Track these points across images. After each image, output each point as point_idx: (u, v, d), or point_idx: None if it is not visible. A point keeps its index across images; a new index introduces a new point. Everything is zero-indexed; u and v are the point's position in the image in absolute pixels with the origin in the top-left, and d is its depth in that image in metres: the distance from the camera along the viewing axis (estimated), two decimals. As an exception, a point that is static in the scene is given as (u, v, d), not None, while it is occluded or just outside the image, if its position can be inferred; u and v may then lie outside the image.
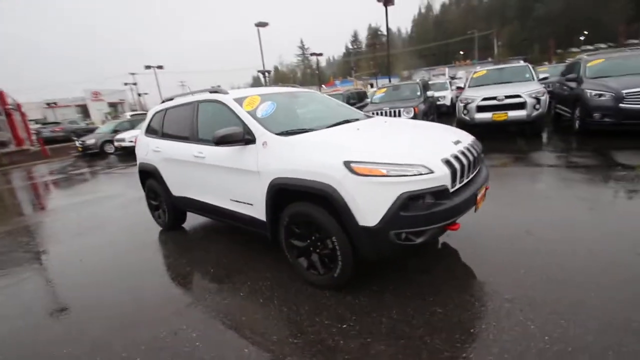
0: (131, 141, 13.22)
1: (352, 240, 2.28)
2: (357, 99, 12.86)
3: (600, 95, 6.44)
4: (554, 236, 2.93)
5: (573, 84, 7.63)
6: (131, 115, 19.79)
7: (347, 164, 2.19)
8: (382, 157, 2.18)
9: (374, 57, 54.70)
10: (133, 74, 39.93)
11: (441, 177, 2.16)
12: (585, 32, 52.20)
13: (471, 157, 2.51)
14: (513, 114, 7.29)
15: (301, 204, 2.49)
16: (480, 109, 7.60)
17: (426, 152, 2.30)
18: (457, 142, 2.56)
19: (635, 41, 39.59)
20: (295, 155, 2.48)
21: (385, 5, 17.06)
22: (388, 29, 21.98)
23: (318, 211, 2.37)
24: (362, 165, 2.15)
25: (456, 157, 2.34)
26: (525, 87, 7.52)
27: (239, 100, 3.12)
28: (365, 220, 2.16)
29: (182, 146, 3.58)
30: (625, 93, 6.05)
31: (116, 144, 13.93)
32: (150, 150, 4.10)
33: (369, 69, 56.01)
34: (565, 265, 2.49)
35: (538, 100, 7.25)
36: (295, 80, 59.33)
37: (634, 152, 5.30)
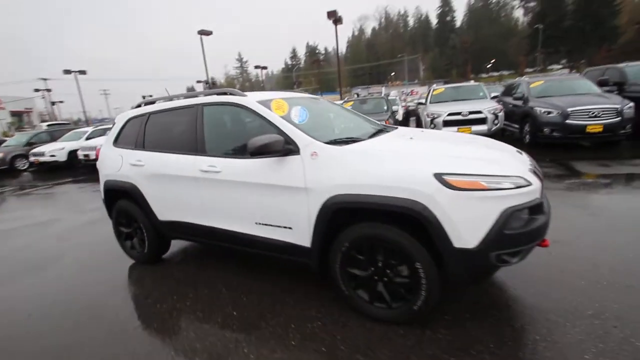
0: (53, 155, 11.10)
1: (440, 265, 1.96)
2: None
3: (549, 113, 7.24)
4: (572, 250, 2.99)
5: (519, 102, 8.51)
6: (48, 126, 16.79)
7: (438, 177, 1.88)
8: (478, 169, 1.92)
9: (317, 73, 56.06)
10: (45, 79, 34.40)
11: (536, 189, 1.98)
12: (493, 61, 60.75)
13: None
14: (476, 128, 7.83)
15: (369, 225, 2.10)
16: (447, 123, 8.02)
17: (513, 162, 2.11)
18: (519, 152, 2.45)
19: (531, 70, 47.33)
20: (363, 167, 2.08)
21: (335, 24, 17.56)
22: (338, 47, 22.62)
23: (396, 233, 2.01)
24: (458, 178, 1.87)
25: (535, 167, 2.20)
26: (484, 104, 8.18)
27: (265, 104, 2.62)
28: (463, 242, 1.86)
29: (180, 159, 2.90)
30: (571, 111, 6.89)
31: (32, 158, 11.54)
32: (126, 164, 3.28)
33: (309, 84, 57.18)
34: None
35: (496, 116, 7.93)
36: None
37: (588, 161, 6.00)
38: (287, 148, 2.31)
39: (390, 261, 2.10)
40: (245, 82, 75.77)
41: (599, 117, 6.73)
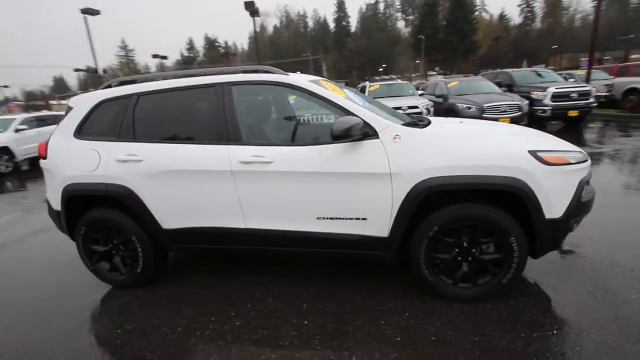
0: None
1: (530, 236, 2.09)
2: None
3: (469, 108, 8.46)
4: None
5: (440, 100, 9.72)
6: None
7: (533, 154, 1.99)
8: (559, 145, 2.11)
9: (223, 66, 52.88)
10: None
11: (590, 164, 2.27)
12: (384, 65, 67.63)
13: None
14: (414, 121, 8.62)
15: (463, 206, 2.08)
16: (388, 117, 8.59)
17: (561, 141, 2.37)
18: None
19: (415, 75, 54.54)
20: (457, 148, 2.05)
21: (252, 16, 16.84)
22: (257, 39, 21.67)
23: (492, 211, 2.05)
24: (549, 155, 2.01)
25: None
26: (419, 100, 9.04)
27: (318, 84, 2.34)
28: (552, 213, 2.01)
29: (204, 150, 2.35)
30: (486, 107, 8.20)
31: None
32: (109, 161, 2.49)
33: None
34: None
35: (429, 110, 8.85)
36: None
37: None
38: (364, 131, 2.11)
39: (481, 239, 2.14)
40: (132, 73, 66.21)
41: (507, 111, 8.18)
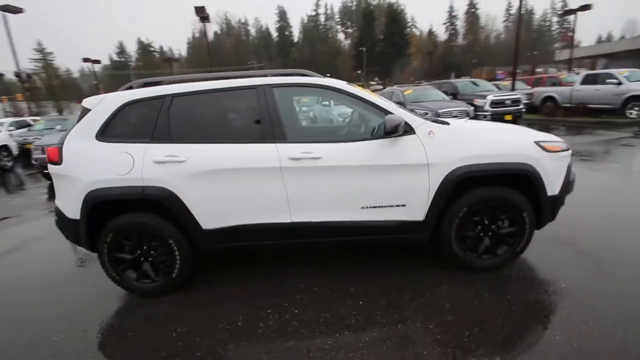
0: None
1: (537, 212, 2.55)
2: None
3: (427, 113, 9.35)
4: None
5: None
6: None
7: (537, 144, 2.47)
8: (552, 137, 2.62)
9: (160, 73, 49.67)
10: None
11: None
12: (328, 75, 69.87)
13: None
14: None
15: (488, 189, 2.48)
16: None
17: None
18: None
19: (360, 83, 57.41)
20: (481, 141, 2.45)
21: (202, 21, 16.38)
22: (209, 46, 20.94)
23: (509, 192, 2.47)
24: (549, 144, 2.51)
25: None
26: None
27: (352, 87, 2.58)
28: (552, 190, 2.51)
29: (253, 149, 2.44)
30: (441, 112, 9.14)
31: None
32: (146, 163, 2.43)
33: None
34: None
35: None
36: (41, 93, 43.09)
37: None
38: (405, 128, 2.40)
39: (500, 216, 2.55)
40: (52, 80, 58.61)
41: (457, 117, 9.22)
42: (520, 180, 2.48)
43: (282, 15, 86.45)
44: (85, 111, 2.60)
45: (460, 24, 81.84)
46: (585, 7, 19.46)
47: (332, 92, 2.55)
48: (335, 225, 2.52)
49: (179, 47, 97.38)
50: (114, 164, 2.44)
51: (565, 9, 20.80)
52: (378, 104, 2.48)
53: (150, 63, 65.07)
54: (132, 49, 78.93)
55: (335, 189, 2.46)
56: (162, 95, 2.53)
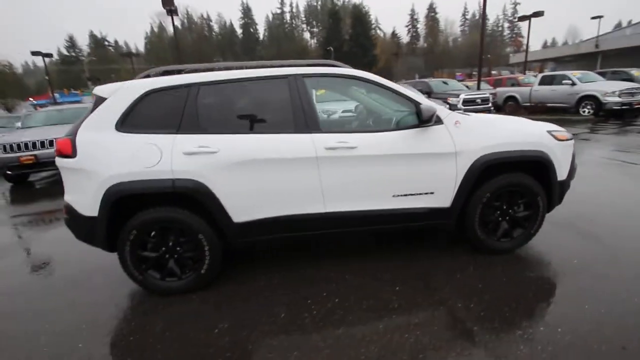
0: None
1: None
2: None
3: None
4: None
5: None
6: None
7: (550, 133, 2.68)
8: (559, 127, 2.84)
9: (119, 69, 46.26)
10: None
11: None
12: (295, 73, 69.66)
13: None
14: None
15: (509, 175, 2.64)
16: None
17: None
18: None
19: (327, 84, 57.80)
20: (504, 130, 2.62)
21: (170, 14, 15.60)
22: (177, 38, 19.92)
23: (526, 178, 2.66)
24: (559, 133, 2.73)
25: None
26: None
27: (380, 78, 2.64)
28: (561, 176, 2.74)
29: (286, 139, 2.41)
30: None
31: None
32: (176, 154, 2.31)
33: (105, 81, 46.64)
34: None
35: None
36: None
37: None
38: (436, 118, 2.50)
39: (517, 200, 2.73)
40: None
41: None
42: (535, 166, 2.67)
43: (247, 12, 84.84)
44: (100, 100, 2.42)
45: (421, 27, 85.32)
46: (538, 14, 21.13)
47: (363, 82, 2.59)
48: (367, 214, 2.56)
49: (136, 42, 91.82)
50: (138, 156, 2.30)
51: (519, 15, 22.28)
52: (408, 94, 2.56)
53: (105, 58, 60.84)
54: (83, 42, 73.28)
55: (368, 178, 2.51)
56: (188, 84, 2.42)
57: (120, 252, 2.40)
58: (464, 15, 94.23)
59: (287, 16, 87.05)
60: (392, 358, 1.80)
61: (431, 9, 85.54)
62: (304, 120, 2.44)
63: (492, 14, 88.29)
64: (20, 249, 3.72)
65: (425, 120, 2.39)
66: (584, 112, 11.25)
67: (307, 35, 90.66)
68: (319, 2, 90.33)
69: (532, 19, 21.90)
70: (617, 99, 10.54)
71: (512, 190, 2.68)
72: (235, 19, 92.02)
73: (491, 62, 47.72)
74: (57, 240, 3.81)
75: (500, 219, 2.76)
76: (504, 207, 2.74)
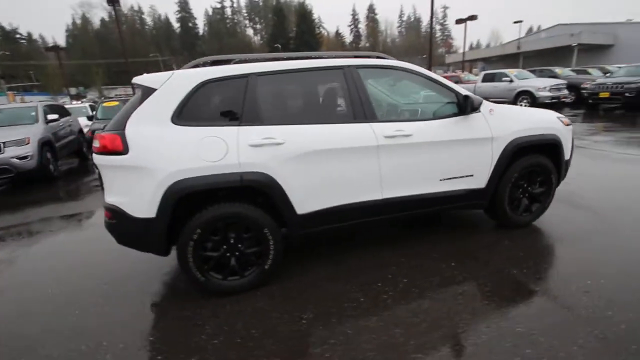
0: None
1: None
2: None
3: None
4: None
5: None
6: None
7: (559, 119, 3.09)
8: (560, 114, 3.28)
9: (32, 65, 40.11)
10: None
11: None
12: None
13: None
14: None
15: (531, 157, 2.98)
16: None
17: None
18: None
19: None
20: (527, 118, 2.97)
21: (112, 4, 14.14)
22: (121, 33, 17.97)
23: (543, 159, 3.03)
24: (563, 119, 3.15)
25: None
26: None
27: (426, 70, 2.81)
28: (567, 155, 3.18)
29: (348, 128, 2.46)
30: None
31: None
32: (242, 147, 2.23)
33: (22, 80, 40.41)
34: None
35: None
36: None
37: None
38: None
39: (536, 178, 3.10)
40: None
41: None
42: (549, 148, 3.06)
43: (184, 6, 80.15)
44: (149, 91, 2.23)
45: (363, 27, 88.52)
46: (473, 17, 23.39)
47: (411, 74, 2.73)
48: (418, 198, 2.72)
49: (54, 35, 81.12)
50: (202, 150, 2.17)
51: (457, 18, 24.41)
52: (450, 85, 2.76)
53: (18, 53, 52.94)
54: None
55: (421, 163, 2.67)
56: (245, 74, 2.34)
57: (182, 254, 2.25)
58: (400, 17, 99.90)
59: (228, 11, 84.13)
60: (484, 321, 1.98)
61: (371, 10, 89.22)
62: (362, 110, 2.51)
63: (425, 17, 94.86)
64: None
65: (475, 108, 2.61)
66: (521, 105, 12.79)
67: (250, 31, 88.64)
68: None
69: (461, 23, 24.21)
70: (548, 94, 12.17)
71: (532, 170, 3.04)
72: (171, 13, 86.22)
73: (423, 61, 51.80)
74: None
75: (521, 196, 3.12)
76: (525, 185, 3.10)
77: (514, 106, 3.65)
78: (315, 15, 71.75)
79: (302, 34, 59.00)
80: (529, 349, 1.77)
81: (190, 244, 2.23)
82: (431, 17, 15.50)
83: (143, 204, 2.15)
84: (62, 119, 7.90)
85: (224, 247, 2.35)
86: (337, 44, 77.53)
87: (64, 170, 7.71)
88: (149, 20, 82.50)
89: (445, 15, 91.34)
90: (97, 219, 4.33)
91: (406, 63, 2.74)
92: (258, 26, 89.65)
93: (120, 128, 2.16)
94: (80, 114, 10.83)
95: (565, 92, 12.57)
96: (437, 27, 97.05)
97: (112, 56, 63.05)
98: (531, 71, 14.90)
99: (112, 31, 73.53)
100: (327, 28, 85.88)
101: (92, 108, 12.53)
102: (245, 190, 2.31)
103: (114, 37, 71.39)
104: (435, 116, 2.76)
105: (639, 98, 10.49)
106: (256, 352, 1.90)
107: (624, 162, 5.29)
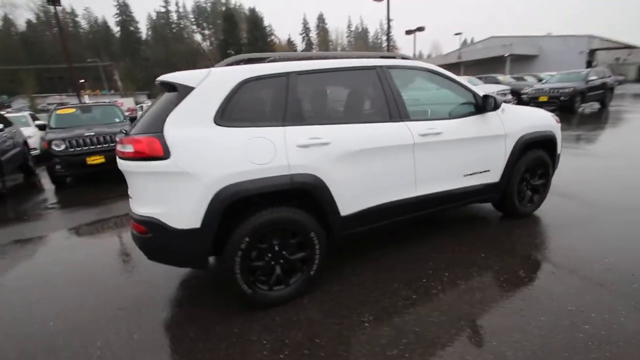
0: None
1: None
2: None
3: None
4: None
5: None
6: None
7: (554, 117, 3.42)
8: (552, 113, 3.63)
9: None
10: None
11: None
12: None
13: None
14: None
15: (535, 151, 3.24)
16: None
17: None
18: None
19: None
20: (526, 116, 3.21)
21: (53, 4, 12.72)
22: (62, 30, 16.03)
23: (542, 153, 3.32)
24: (556, 117, 3.49)
25: None
26: None
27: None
28: (559, 150, 3.51)
29: (387, 127, 2.48)
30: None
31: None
32: (290, 148, 2.14)
33: None
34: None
35: None
36: None
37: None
38: (491, 105, 2.93)
39: (537, 171, 3.37)
40: None
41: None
42: (547, 143, 3.36)
43: (124, 9, 75.22)
44: (186, 89, 2.05)
45: (314, 36, 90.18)
46: (420, 29, 25.03)
47: (435, 75, 2.83)
48: (446, 194, 2.82)
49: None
50: (250, 152, 2.05)
51: (407, 29, 25.94)
52: (468, 86, 2.92)
53: None
54: None
55: (449, 160, 2.77)
56: (285, 73, 2.26)
57: (228, 266, 2.08)
58: (348, 27, 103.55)
59: (174, 15, 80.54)
60: (536, 303, 2.10)
61: (321, 19, 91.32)
62: (397, 109, 2.55)
63: (372, 28, 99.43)
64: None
65: (497, 106, 2.79)
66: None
67: (198, 36, 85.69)
68: (208, 3, 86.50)
69: (410, 33, 25.85)
70: (497, 99, 13.38)
71: (535, 164, 3.32)
72: (109, 16, 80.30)
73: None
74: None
75: (526, 188, 3.38)
76: (528, 178, 3.36)
77: (517, 106, 3.95)
78: (266, 23, 71.61)
79: (256, 41, 58.36)
80: (586, 324, 1.91)
81: (238, 254, 2.07)
82: (388, 28, 16.32)
83: (186, 213, 1.96)
84: (6, 130, 6.93)
85: (269, 255, 2.22)
86: (289, 52, 77.97)
87: (10, 187, 6.72)
88: (83, 23, 76.09)
89: (390, 27, 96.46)
90: (62, 242, 3.85)
91: (428, 64, 2.85)
92: (207, 32, 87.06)
93: (157, 130, 1.95)
94: (20, 124, 9.58)
95: (510, 97, 13.90)
96: (383, 37, 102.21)
97: (40, 62, 56.85)
98: (478, 78, 16.30)
99: (40, 34, 66.54)
100: (279, 36, 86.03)
101: (33, 117, 11.17)
102: (289, 194, 2.21)
103: (45, 40, 64.61)
104: (457, 115, 2.89)
105: (572, 101, 12.03)
106: (351, 353, 1.81)
107: (582, 156, 5.98)
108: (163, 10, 78.92)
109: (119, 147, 2.10)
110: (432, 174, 2.72)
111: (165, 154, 1.92)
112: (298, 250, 2.30)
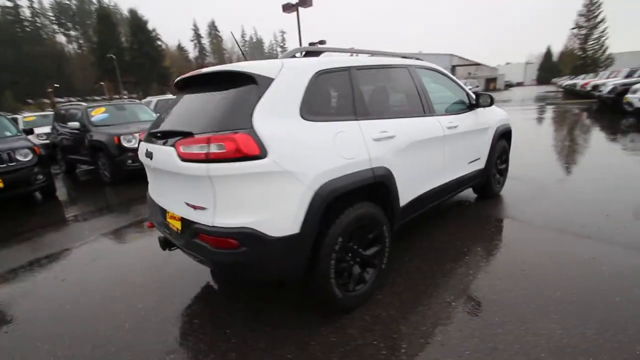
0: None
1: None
2: None
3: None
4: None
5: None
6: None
7: (505, 114, 4.20)
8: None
9: None
10: None
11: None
12: (56, 85, 53.66)
13: None
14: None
15: (502, 141, 3.91)
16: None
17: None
18: None
19: (105, 97, 48.29)
20: (496, 112, 3.85)
21: None
22: None
23: (504, 142, 4.03)
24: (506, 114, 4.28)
25: None
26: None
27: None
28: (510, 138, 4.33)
29: (427, 121, 2.69)
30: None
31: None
32: (369, 142, 2.12)
33: None
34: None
35: None
36: None
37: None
38: (481, 103, 3.44)
39: (502, 157, 4.06)
40: None
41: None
42: (507, 134, 4.10)
43: (-56, -3, 58.05)
44: (266, 81, 1.83)
45: (207, 43, 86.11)
46: (322, 42, 26.63)
47: (441, 75, 3.17)
48: (458, 180, 3.18)
49: None
50: (339, 146, 1.96)
51: (310, 42, 27.16)
52: (464, 86, 3.36)
53: None
54: None
55: (462, 150, 3.14)
56: (347, 67, 2.24)
57: (323, 270, 1.92)
58: (242, 37, 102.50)
59: (27, 12, 65.91)
60: (568, 271, 2.57)
61: (213, 27, 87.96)
62: (427, 104, 2.78)
63: (267, 40, 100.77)
64: None
65: (492, 103, 3.29)
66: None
67: (62, 38, 72.34)
68: (73, 1, 74.16)
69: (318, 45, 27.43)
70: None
71: (502, 151, 4.01)
72: None
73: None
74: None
75: (496, 173, 4.05)
76: (499, 163, 4.04)
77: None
78: (150, 27, 64.98)
79: (141, 45, 52.24)
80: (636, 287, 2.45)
81: (332, 257, 1.94)
82: (299, 37, 16.91)
83: (286, 218, 1.75)
84: None
85: (350, 254, 2.14)
86: (181, 58, 72.62)
87: None
88: None
89: (284, 39, 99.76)
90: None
91: (437, 65, 3.18)
92: (73, 32, 74.11)
93: (245, 126, 1.69)
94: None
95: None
96: (278, 49, 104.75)
97: None
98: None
99: None
100: (165, 41, 79.14)
101: None
102: (362, 188, 2.18)
103: None
104: (461, 110, 3.29)
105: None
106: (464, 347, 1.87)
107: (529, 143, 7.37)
108: (10, 4, 63.69)
109: (182, 149, 1.73)
110: (453, 163, 3.03)
111: (262, 153, 1.68)
112: (371, 245, 2.27)
